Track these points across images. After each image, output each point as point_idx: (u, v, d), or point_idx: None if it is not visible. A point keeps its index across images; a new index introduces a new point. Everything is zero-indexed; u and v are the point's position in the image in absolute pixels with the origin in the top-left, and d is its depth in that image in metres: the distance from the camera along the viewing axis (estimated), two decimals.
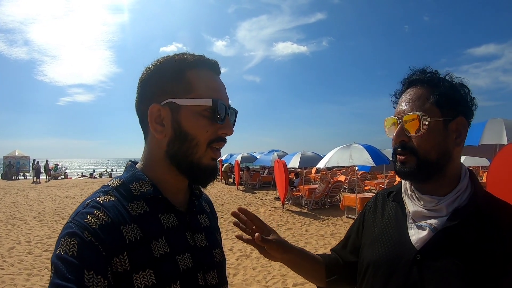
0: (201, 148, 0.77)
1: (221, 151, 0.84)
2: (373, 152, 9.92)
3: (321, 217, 10.08)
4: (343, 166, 15.63)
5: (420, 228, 0.94)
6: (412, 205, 1.00)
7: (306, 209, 11.59)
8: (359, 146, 10.12)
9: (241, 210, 1.09)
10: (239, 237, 1.08)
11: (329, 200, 12.40)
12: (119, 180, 0.80)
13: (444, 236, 0.90)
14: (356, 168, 12.73)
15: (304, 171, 17.54)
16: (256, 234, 1.00)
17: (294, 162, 13.64)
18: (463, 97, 0.97)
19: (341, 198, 10.89)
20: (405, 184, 1.07)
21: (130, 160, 0.87)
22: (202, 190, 0.97)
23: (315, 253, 1.25)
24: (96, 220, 0.67)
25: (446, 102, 0.95)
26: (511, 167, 4.05)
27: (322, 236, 7.76)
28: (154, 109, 0.77)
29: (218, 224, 1.04)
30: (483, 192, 0.96)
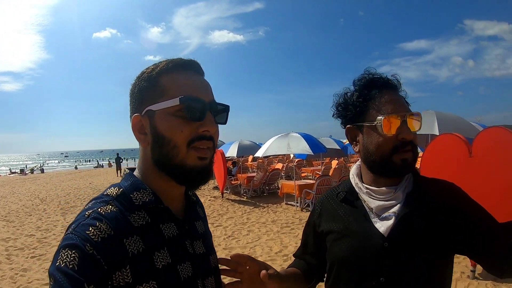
0: (181, 149, 0.75)
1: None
2: (310, 140, 10.23)
3: (261, 204, 10.20)
4: (280, 154, 16.02)
5: (385, 219, 1.02)
6: (372, 201, 1.07)
7: (245, 197, 11.66)
8: (297, 135, 10.34)
9: (234, 257, 0.97)
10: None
11: (267, 187, 12.59)
12: (118, 189, 0.78)
13: (405, 219, 1.00)
14: (292, 155, 13.08)
15: (241, 160, 17.60)
16: (262, 272, 0.97)
17: (232, 151, 13.56)
18: None
19: (280, 185, 11.12)
20: (356, 183, 1.13)
21: (127, 168, 0.88)
22: (197, 196, 0.97)
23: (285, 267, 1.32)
24: (98, 233, 0.65)
25: (407, 102, 1.09)
26: (442, 156, 4.46)
27: (264, 224, 7.85)
28: (136, 119, 0.79)
29: None
30: (420, 176, 1.11)
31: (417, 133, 1.04)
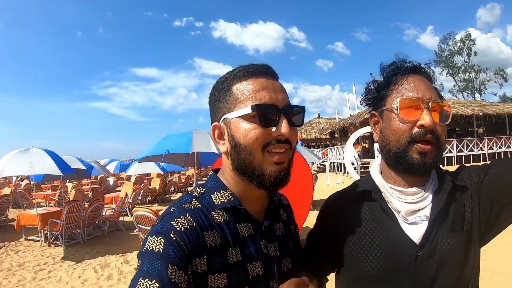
0: (257, 155, 0.78)
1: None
2: (57, 158, 8.66)
3: None
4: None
5: (416, 223, 0.92)
6: (399, 203, 0.95)
7: None
8: (40, 150, 8.20)
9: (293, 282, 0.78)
10: None
11: None
12: (202, 188, 0.85)
13: (437, 223, 0.90)
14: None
15: None
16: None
17: None
18: None
19: (16, 217, 8.74)
20: (380, 180, 1.00)
21: (212, 169, 0.95)
22: (283, 199, 1.02)
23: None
24: (182, 224, 0.72)
25: (440, 95, 0.99)
26: None
27: (10, 270, 5.78)
28: (215, 127, 0.85)
29: None
30: (443, 171, 1.01)
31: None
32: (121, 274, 5.38)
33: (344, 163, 18.63)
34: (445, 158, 19.16)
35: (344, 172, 19.68)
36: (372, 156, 20.03)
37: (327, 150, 25.64)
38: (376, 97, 1.02)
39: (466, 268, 0.90)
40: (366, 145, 25.51)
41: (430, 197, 0.93)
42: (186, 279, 0.67)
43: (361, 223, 0.99)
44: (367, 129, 18.06)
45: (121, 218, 8.80)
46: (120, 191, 13.80)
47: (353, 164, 17.29)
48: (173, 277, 0.64)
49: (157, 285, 0.63)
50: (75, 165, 11.94)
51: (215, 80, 0.87)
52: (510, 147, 21.56)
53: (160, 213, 5.88)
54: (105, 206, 8.85)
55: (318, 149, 30.19)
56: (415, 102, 0.91)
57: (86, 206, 7.95)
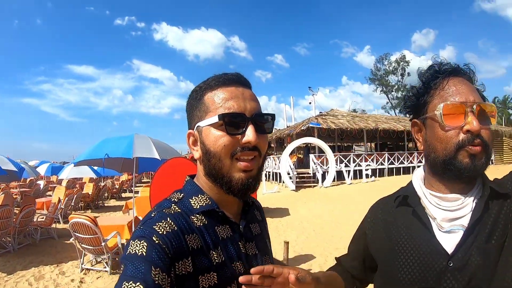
0: (225, 162, 0.81)
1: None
2: None
3: None
4: None
5: (451, 232, 0.89)
6: (436, 210, 0.92)
7: None
8: None
9: (257, 271, 0.76)
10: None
11: None
12: (180, 194, 0.88)
13: (474, 233, 0.86)
14: None
15: None
16: (290, 276, 0.79)
17: None
18: None
19: None
20: (420, 186, 0.98)
21: (188, 175, 0.95)
22: (255, 199, 1.03)
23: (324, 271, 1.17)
24: (164, 228, 0.74)
25: (483, 96, 0.95)
26: (175, 179, 4.98)
27: None
28: (189, 134, 0.89)
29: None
30: (489, 180, 0.94)
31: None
32: (58, 286, 5.03)
33: (279, 173, 19.14)
34: (377, 170, 20.69)
35: (280, 182, 20.13)
36: (306, 166, 20.57)
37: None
38: (416, 104, 0.98)
39: (499, 283, 0.82)
40: (301, 156, 26.39)
41: (469, 205, 0.89)
42: (169, 281, 0.69)
43: (396, 229, 0.99)
44: (303, 140, 18.79)
45: (53, 225, 8.25)
46: (51, 195, 13.00)
47: (288, 174, 17.79)
48: (157, 279, 0.66)
49: (141, 287, 0.64)
50: (5, 166, 11.03)
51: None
52: None
53: (98, 219, 5.66)
54: (36, 211, 8.26)
55: None
56: (459, 107, 0.87)
57: (17, 211, 7.37)
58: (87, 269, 5.54)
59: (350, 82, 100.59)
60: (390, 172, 21.37)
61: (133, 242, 0.71)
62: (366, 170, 19.23)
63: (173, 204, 0.83)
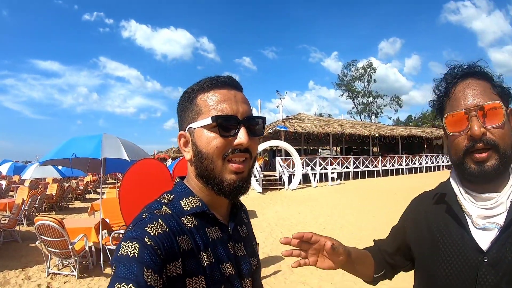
0: (217, 163, 0.83)
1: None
2: None
3: None
4: None
5: (486, 229, 0.91)
6: (472, 208, 0.94)
7: None
8: None
9: (297, 236, 0.97)
10: (288, 255, 1.00)
11: None
12: (170, 195, 0.88)
13: (508, 229, 0.88)
14: None
15: None
16: (327, 243, 0.97)
17: None
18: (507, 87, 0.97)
19: None
20: (456, 184, 1.01)
21: (178, 177, 0.95)
22: (242, 203, 1.03)
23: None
24: (156, 229, 0.74)
25: (504, 93, 0.94)
26: (146, 180, 4.97)
27: None
28: (181, 136, 0.90)
29: None
30: None
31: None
32: None
33: None
34: (342, 173, 21.44)
35: None
36: (273, 169, 21.23)
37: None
38: (439, 109, 1.03)
39: None
40: (267, 158, 26.74)
41: (504, 204, 0.90)
42: (161, 283, 0.69)
43: (435, 223, 1.03)
44: (270, 143, 18.96)
45: (17, 228, 7.93)
46: (13, 196, 12.56)
47: (255, 176, 17.74)
48: (149, 280, 0.66)
49: None
50: None
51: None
52: (401, 165, 25.33)
53: (65, 221, 5.52)
54: None
55: None
56: (459, 115, 0.92)
57: None
58: (53, 273, 5.44)
59: (317, 87, 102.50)
60: (355, 175, 22.28)
61: (125, 244, 0.70)
62: (332, 173, 19.73)
63: (163, 206, 0.83)
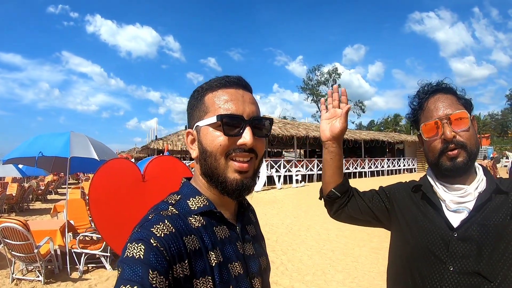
0: (221, 161, 0.83)
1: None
2: None
3: None
4: None
5: (457, 211, 1.11)
6: (446, 194, 1.14)
7: None
8: None
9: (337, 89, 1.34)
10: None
11: None
12: (177, 196, 0.88)
13: (476, 214, 1.07)
14: None
15: None
16: (348, 106, 1.29)
17: None
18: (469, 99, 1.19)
19: None
20: (432, 179, 1.21)
21: (184, 177, 0.96)
22: (249, 202, 1.05)
23: None
24: (162, 230, 0.74)
25: (467, 103, 1.16)
26: (115, 180, 4.86)
27: None
28: (188, 133, 0.92)
29: None
30: (497, 178, 1.16)
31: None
32: None
33: None
34: (306, 175, 21.95)
35: None
36: None
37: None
38: (414, 121, 1.25)
39: (495, 257, 1.03)
40: None
41: (472, 194, 1.10)
42: (167, 285, 0.68)
43: (412, 205, 1.24)
44: None
45: None
46: None
47: None
48: (154, 282, 0.65)
49: None
50: None
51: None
52: (364, 168, 26.33)
53: (30, 223, 5.25)
54: None
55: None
56: (432, 125, 1.13)
57: None
58: (18, 279, 5.17)
59: (281, 90, 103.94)
60: (319, 177, 22.67)
61: (130, 245, 0.70)
62: (296, 175, 20.16)
63: (170, 206, 0.83)
